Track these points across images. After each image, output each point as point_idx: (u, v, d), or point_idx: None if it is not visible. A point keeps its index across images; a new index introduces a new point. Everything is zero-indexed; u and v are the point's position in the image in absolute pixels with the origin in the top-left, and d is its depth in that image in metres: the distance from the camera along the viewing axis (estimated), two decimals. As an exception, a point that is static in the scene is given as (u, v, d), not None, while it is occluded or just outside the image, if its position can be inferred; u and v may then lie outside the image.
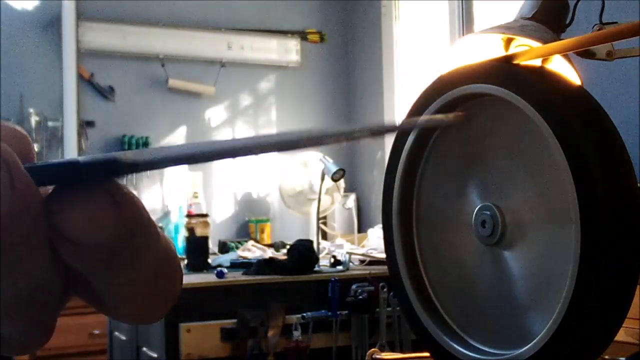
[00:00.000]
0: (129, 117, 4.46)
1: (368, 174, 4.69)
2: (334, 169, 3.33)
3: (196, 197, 4.35)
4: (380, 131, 0.31)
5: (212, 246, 3.62)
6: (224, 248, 3.98)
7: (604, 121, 0.95)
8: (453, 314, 1.13)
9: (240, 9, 4.74)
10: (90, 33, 4.37)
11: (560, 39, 1.15)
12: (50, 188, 0.30)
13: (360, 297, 2.65)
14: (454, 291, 1.14)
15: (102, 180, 0.29)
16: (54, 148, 4.26)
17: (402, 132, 1.18)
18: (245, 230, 4.57)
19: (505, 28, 1.18)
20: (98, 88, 4.42)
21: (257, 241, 4.06)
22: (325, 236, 4.14)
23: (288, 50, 4.86)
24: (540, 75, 1.01)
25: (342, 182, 3.96)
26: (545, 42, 1.10)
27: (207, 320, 2.59)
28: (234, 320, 2.58)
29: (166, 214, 4.40)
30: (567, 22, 1.22)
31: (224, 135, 4.69)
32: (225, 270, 2.88)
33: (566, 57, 1.16)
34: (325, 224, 4.19)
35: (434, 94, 1.12)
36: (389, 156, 1.21)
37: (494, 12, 3.72)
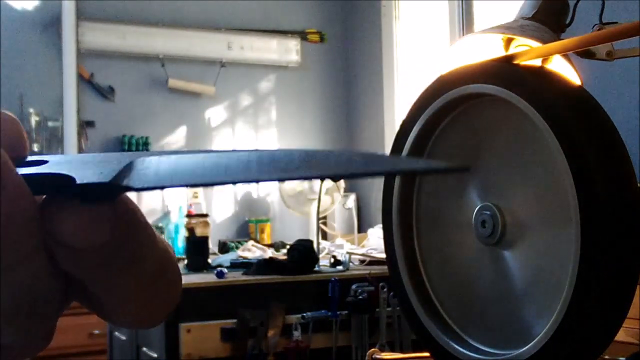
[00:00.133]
0: (129, 117, 4.46)
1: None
2: (334, 169, 3.33)
3: (196, 197, 4.35)
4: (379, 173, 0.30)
5: (212, 246, 3.62)
6: (224, 248, 3.98)
7: (604, 121, 0.95)
8: (453, 314, 1.13)
9: (240, 9, 4.74)
10: (90, 33, 4.37)
11: (560, 39, 1.15)
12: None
13: (360, 297, 2.65)
14: (454, 291, 1.14)
15: (95, 200, 0.29)
16: (54, 148, 4.26)
17: (402, 132, 1.18)
18: (245, 230, 4.57)
19: (505, 28, 1.18)
20: (98, 88, 4.42)
21: (257, 241, 4.06)
22: (325, 236, 4.14)
23: (288, 50, 4.86)
24: (540, 75, 1.01)
25: (342, 182, 3.97)
26: (545, 42, 1.10)
27: (207, 320, 2.58)
28: (234, 320, 2.58)
29: (166, 214, 4.40)
30: (567, 22, 1.22)
31: (223, 135, 4.69)
32: (225, 270, 2.88)
33: (566, 57, 1.16)
34: (325, 224, 4.18)
35: (434, 94, 1.12)
36: (389, 156, 1.21)
37: (494, 12, 3.72)
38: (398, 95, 4.56)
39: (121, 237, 0.31)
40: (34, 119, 4.19)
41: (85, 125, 4.36)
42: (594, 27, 1.10)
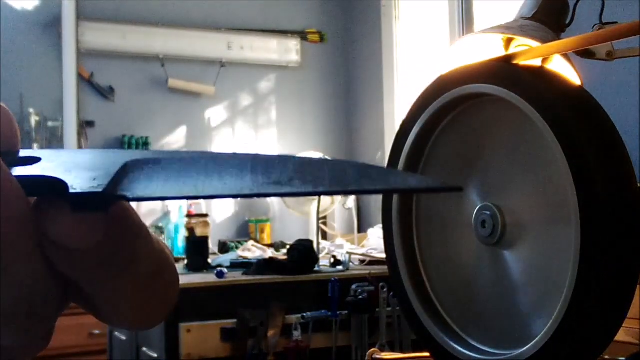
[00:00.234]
0: (129, 117, 4.46)
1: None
2: (334, 169, 3.33)
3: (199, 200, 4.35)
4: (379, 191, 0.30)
5: (212, 246, 3.61)
6: (224, 248, 3.98)
7: (604, 121, 0.95)
8: (453, 314, 1.13)
9: (240, 9, 4.74)
10: (90, 33, 4.37)
11: (560, 39, 1.15)
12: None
13: (360, 297, 2.65)
14: (454, 291, 1.14)
15: (88, 209, 0.29)
16: (54, 148, 4.26)
17: (402, 132, 1.18)
18: (245, 230, 4.57)
19: (505, 28, 1.18)
20: (98, 88, 4.42)
21: (257, 241, 4.05)
22: (325, 236, 4.14)
23: (288, 50, 4.86)
24: (540, 75, 1.01)
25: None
26: (545, 42, 1.10)
27: (207, 320, 2.58)
28: (234, 320, 2.58)
29: (166, 214, 4.40)
30: (567, 22, 1.22)
31: (223, 135, 4.69)
32: (225, 270, 2.88)
33: (566, 57, 1.16)
34: (325, 224, 4.18)
35: (434, 94, 1.12)
36: (389, 156, 1.21)
37: (494, 12, 3.72)
38: (398, 95, 4.56)
39: (116, 237, 0.31)
40: (34, 119, 4.19)
41: (85, 125, 4.36)
42: (594, 27, 1.10)
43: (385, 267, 1.25)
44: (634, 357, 1.35)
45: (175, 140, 4.57)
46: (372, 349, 1.37)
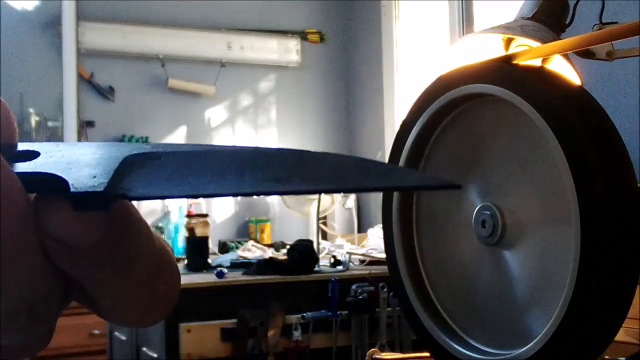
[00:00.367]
0: (129, 117, 4.46)
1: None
2: (334, 169, 3.33)
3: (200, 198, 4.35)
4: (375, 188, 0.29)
5: (212, 246, 3.61)
6: (224, 248, 3.98)
7: (604, 121, 0.95)
8: (453, 314, 1.13)
9: (240, 9, 4.74)
10: (90, 33, 4.37)
11: (560, 39, 1.15)
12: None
13: (360, 297, 2.65)
14: (454, 291, 1.14)
15: (88, 208, 0.29)
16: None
17: (402, 132, 1.18)
18: (245, 230, 4.57)
19: (505, 28, 1.18)
20: (98, 88, 4.42)
21: (257, 241, 4.05)
22: (325, 236, 4.14)
23: (288, 50, 4.86)
24: (540, 75, 1.01)
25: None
26: (545, 42, 1.10)
27: (207, 320, 2.58)
28: (234, 320, 2.58)
29: (166, 214, 4.40)
30: (567, 22, 1.22)
31: (223, 135, 4.69)
32: (225, 270, 2.88)
33: (566, 57, 1.16)
34: (325, 224, 4.18)
35: (434, 94, 1.12)
36: (389, 156, 1.21)
37: (494, 12, 3.72)
38: (398, 95, 4.56)
39: (116, 234, 0.31)
40: (34, 119, 4.19)
41: (85, 125, 4.36)
42: (594, 27, 1.10)
43: (385, 267, 1.25)
44: (634, 357, 1.35)
45: (175, 140, 4.57)
46: (372, 349, 1.37)
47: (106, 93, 4.42)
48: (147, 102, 4.52)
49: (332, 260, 3.09)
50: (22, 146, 0.30)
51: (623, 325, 0.94)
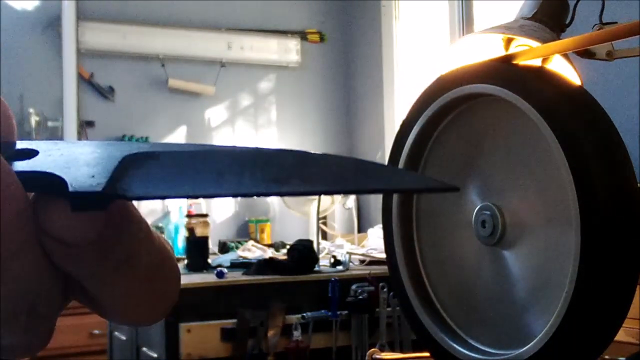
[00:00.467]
0: (129, 117, 4.46)
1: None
2: (334, 169, 3.32)
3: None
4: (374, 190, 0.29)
5: (212, 246, 3.61)
6: (224, 248, 3.98)
7: (604, 121, 0.95)
8: (453, 314, 1.13)
9: (240, 9, 4.74)
10: (90, 33, 4.37)
11: (560, 39, 1.15)
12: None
13: (360, 297, 2.65)
14: (454, 291, 1.14)
15: (87, 207, 0.29)
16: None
17: (402, 132, 1.18)
18: (245, 230, 4.57)
19: (505, 28, 1.18)
20: (98, 88, 4.42)
21: (257, 241, 4.05)
22: (325, 236, 4.14)
23: (288, 50, 4.86)
24: (540, 75, 1.01)
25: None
26: (545, 42, 1.10)
27: (207, 320, 2.58)
28: (234, 320, 2.58)
29: (166, 214, 4.40)
30: (567, 22, 1.22)
31: (223, 135, 4.69)
32: (225, 270, 2.88)
33: (566, 57, 1.16)
34: (325, 224, 4.18)
35: (434, 94, 1.12)
36: (389, 156, 1.21)
37: (494, 12, 3.72)
38: (398, 95, 4.56)
39: (115, 233, 0.31)
40: (34, 119, 4.19)
41: (85, 125, 4.36)
42: (594, 27, 1.10)
43: (385, 267, 1.25)
44: (634, 357, 1.35)
45: (175, 140, 4.56)
46: (372, 349, 1.37)
47: (106, 93, 4.42)
48: (147, 102, 4.52)
49: (332, 260, 3.09)
50: (20, 144, 0.30)
51: (623, 325, 0.94)
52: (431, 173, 1.16)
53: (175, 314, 2.52)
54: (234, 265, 3.10)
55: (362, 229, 4.20)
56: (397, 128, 1.21)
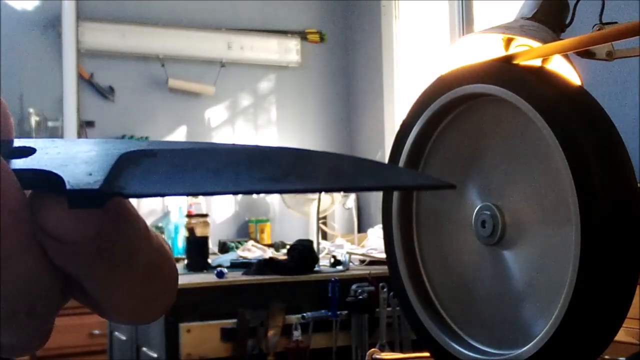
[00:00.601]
0: (129, 117, 4.46)
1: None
2: (334, 169, 3.32)
3: (196, 197, 4.35)
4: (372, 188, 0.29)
5: (212, 246, 3.61)
6: (224, 248, 3.98)
7: (604, 121, 0.95)
8: (453, 314, 1.13)
9: (240, 9, 4.74)
10: (90, 33, 4.37)
11: (560, 39, 1.15)
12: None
13: (360, 297, 2.65)
14: (454, 291, 1.14)
15: (84, 205, 0.29)
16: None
17: (402, 132, 1.18)
18: (245, 230, 4.57)
19: (505, 28, 1.18)
20: (98, 88, 4.42)
21: (257, 241, 4.05)
22: (325, 236, 4.14)
23: (288, 50, 4.86)
24: (540, 75, 1.01)
25: (342, 182, 3.96)
26: (545, 42, 1.10)
27: (207, 320, 2.58)
28: (234, 320, 2.58)
29: (166, 214, 4.40)
30: (567, 22, 1.22)
31: (223, 135, 4.69)
32: (225, 270, 2.88)
33: (566, 57, 1.16)
34: (325, 224, 4.18)
35: (434, 94, 1.12)
36: (389, 156, 1.21)
37: (494, 12, 3.72)
38: (398, 95, 4.56)
39: (112, 231, 0.30)
40: (34, 119, 4.19)
41: (85, 125, 4.36)
42: (594, 27, 1.10)
43: (385, 267, 1.25)
44: (634, 357, 1.35)
45: (176, 140, 4.56)
46: (372, 349, 1.37)
47: (106, 93, 4.43)
48: (147, 102, 4.52)
49: (332, 260, 3.09)
50: (18, 142, 0.30)
51: (623, 325, 0.94)
52: (431, 173, 1.16)
53: (175, 314, 2.52)
54: (234, 265, 3.10)
55: (362, 229, 4.20)
56: (397, 128, 1.21)
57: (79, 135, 4.31)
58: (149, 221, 4.40)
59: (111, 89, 4.43)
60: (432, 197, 1.18)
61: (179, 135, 4.60)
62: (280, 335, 2.62)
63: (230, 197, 4.67)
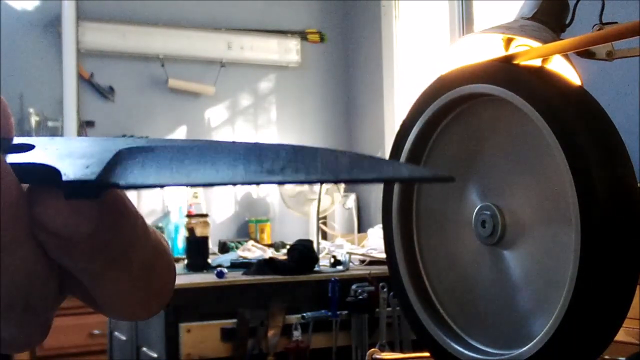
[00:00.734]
0: (129, 117, 4.46)
1: (368, 174, 4.67)
2: (334, 169, 3.32)
3: (196, 197, 4.35)
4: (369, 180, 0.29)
5: (212, 246, 3.61)
6: (224, 248, 3.98)
7: (604, 121, 0.95)
8: (453, 314, 1.13)
9: (240, 9, 4.74)
10: (90, 33, 4.37)
11: (560, 39, 1.15)
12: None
13: (360, 297, 2.65)
14: (454, 291, 1.14)
15: (80, 197, 0.28)
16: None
17: (402, 132, 1.18)
18: (245, 230, 4.57)
19: (505, 28, 1.18)
20: (98, 88, 4.42)
21: (257, 241, 4.05)
22: (325, 236, 4.14)
23: (288, 50, 4.86)
24: (540, 75, 1.01)
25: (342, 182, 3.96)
26: (545, 42, 1.10)
27: (207, 320, 2.58)
28: (234, 320, 2.58)
29: (166, 214, 4.40)
30: (567, 22, 1.22)
31: (223, 135, 4.69)
32: (225, 270, 2.88)
33: (566, 57, 1.16)
34: (325, 224, 4.18)
35: (434, 94, 1.12)
36: (389, 156, 1.21)
37: (494, 12, 3.72)
38: (398, 95, 4.56)
39: (109, 226, 0.30)
40: (34, 119, 4.19)
41: (85, 125, 4.36)
42: (594, 27, 1.10)
43: (385, 267, 1.25)
44: (634, 357, 1.35)
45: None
46: (372, 349, 1.37)
47: (106, 93, 4.42)
48: (147, 102, 4.52)
49: (332, 260, 3.09)
50: (17, 141, 0.30)
51: (623, 325, 0.94)
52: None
53: (175, 314, 2.52)
54: (234, 265, 3.10)
55: (362, 229, 4.20)
56: (397, 128, 1.21)
57: (79, 135, 4.31)
58: (149, 221, 4.35)
59: (111, 89, 4.43)
60: (432, 197, 1.18)
61: (179, 135, 4.60)
62: (280, 335, 2.62)
63: (230, 197, 4.67)
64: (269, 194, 4.74)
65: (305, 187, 4.00)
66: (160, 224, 4.26)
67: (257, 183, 0.28)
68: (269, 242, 4.26)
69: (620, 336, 0.98)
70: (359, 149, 4.84)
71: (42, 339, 0.33)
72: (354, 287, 2.68)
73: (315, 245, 3.13)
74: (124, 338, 3.11)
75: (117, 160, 0.29)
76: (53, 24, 4.32)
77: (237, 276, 2.86)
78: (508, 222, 1.04)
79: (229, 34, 4.68)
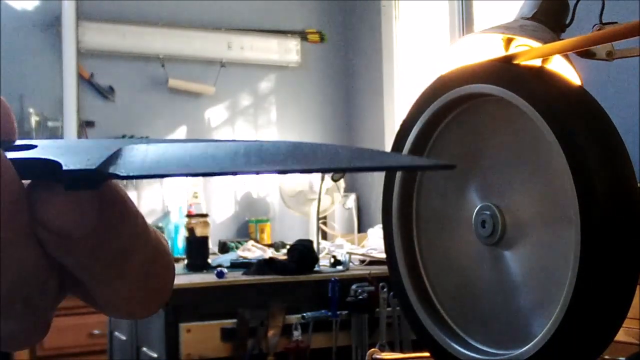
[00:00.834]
0: (129, 117, 4.46)
1: (368, 174, 4.69)
2: (334, 169, 3.32)
3: (196, 197, 4.35)
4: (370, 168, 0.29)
5: (212, 246, 3.61)
6: (224, 248, 3.98)
7: (603, 121, 0.95)
8: (453, 314, 1.13)
9: (240, 9, 4.74)
10: (90, 33, 4.37)
11: (560, 39, 1.15)
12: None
13: (360, 297, 2.65)
14: (454, 291, 1.14)
15: (80, 187, 0.29)
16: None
17: (402, 132, 1.18)
18: (245, 230, 4.57)
19: (505, 28, 1.18)
20: (98, 88, 4.42)
21: (257, 241, 4.05)
22: (325, 236, 4.14)
23: (288, 50, 4.86)
24: (540, 75, 1.01)
25: (342, 182, 3.96)
26: (545, 42, 1.10)
27: (207, 320, 2.58)
28: (234, 320, 2.58)
29: (166, 214, 4.40)
30: (567, 22, 1.22)
31: (223, 135, 4.69)
32: (225, 270, 2.88)
33: (566, 57, 1.16)
34: (325, 224, 4.18)
35: (434, 94, 1.12)
36: (389, 156, 1.21)
37: (494, 12, 3.72)
38: (398, 95, 4.56)
39: (109, 224, 0.30)
40: (34, 119, 4.19)
41: (85, 125, 4.36)
42: (594, 27, 1.10)
43: (385, 267, 1.25)
44: (634, 357, 1.35)
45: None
46: (372, 349, 1.37)
47: (106, 93, 4.42)
48: (147, 102, 4.52)
49: (332, 260, 3.09)
50: (19, 142, 0.30)
51: (623, 325, 0.94)
52: (431, 172, 1.16)
53: (175, 314, 2.52)
54: (234, 265, 3.10)
55: (362, 229, 4.20)
56: (397, 128, 1.21)
57: (79, 135, 4.30)
58: (149, 221, 4.35)
59: (111, 89, 4.43)
60: (432, 197, 1.18)
61: (179, 135, 4.60)
62: (280, 335, 2.62)
63: (230, 197, 4.67)
64: (269, 194, 4.74)
65: (306, 187, 4.00)
66: (160, 224, 4.26)
67: (258, 172, 0.28)
68: (269, 242, 4.26)
69: (620, 336, 0.98)
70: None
71: (42, 337, 0.33)
72: (354, 287, 2.68)
73: (315, 245, 3.13)
74: (124, 338, 3.11)
75: (119, 153, 0.29)
76: (53, 24, 4.32)
77: (237, 276, 2.86)
78: (508, 222, 1.04)
79: (229, 34, 4.68)
